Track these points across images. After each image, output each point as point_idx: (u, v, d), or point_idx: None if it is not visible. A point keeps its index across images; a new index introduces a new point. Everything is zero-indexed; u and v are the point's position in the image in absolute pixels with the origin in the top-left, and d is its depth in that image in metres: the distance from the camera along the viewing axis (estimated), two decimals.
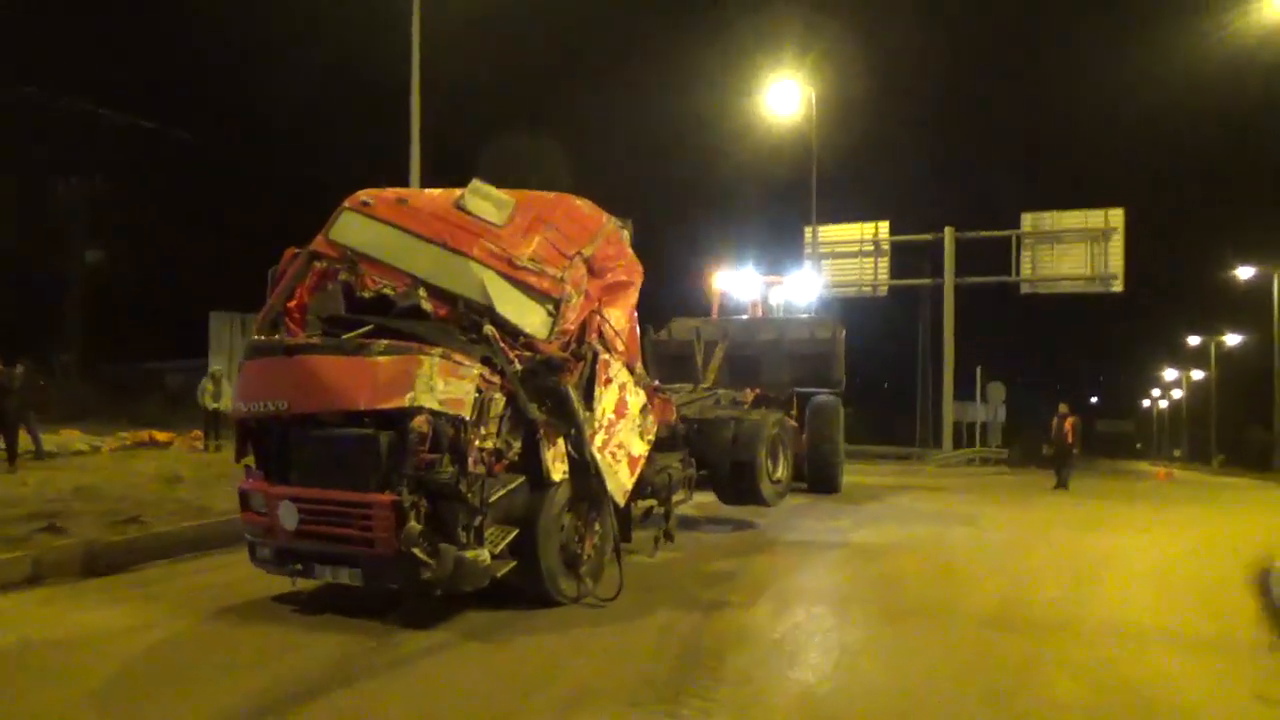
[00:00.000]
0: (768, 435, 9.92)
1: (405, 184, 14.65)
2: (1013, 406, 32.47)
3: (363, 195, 6.52)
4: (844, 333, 12.90)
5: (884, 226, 30.76)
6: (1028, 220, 28.74)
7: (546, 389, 6.00)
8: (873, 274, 30.87)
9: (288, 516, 5.65)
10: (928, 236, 30.29)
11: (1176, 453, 67.46)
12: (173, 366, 43.82)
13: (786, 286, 18.18)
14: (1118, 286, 27.91)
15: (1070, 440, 17.37)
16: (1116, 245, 27.66)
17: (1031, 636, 5.71)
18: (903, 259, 31.83)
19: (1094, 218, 28.03)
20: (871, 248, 30.80)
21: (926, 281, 31.69)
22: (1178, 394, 69.96)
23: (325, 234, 6.40)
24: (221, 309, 41.86)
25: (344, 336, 5.86)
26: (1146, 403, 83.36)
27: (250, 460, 6.12)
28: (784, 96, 27.30)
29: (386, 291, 6.08)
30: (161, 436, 17.50)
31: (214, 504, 9.16)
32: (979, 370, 30.56)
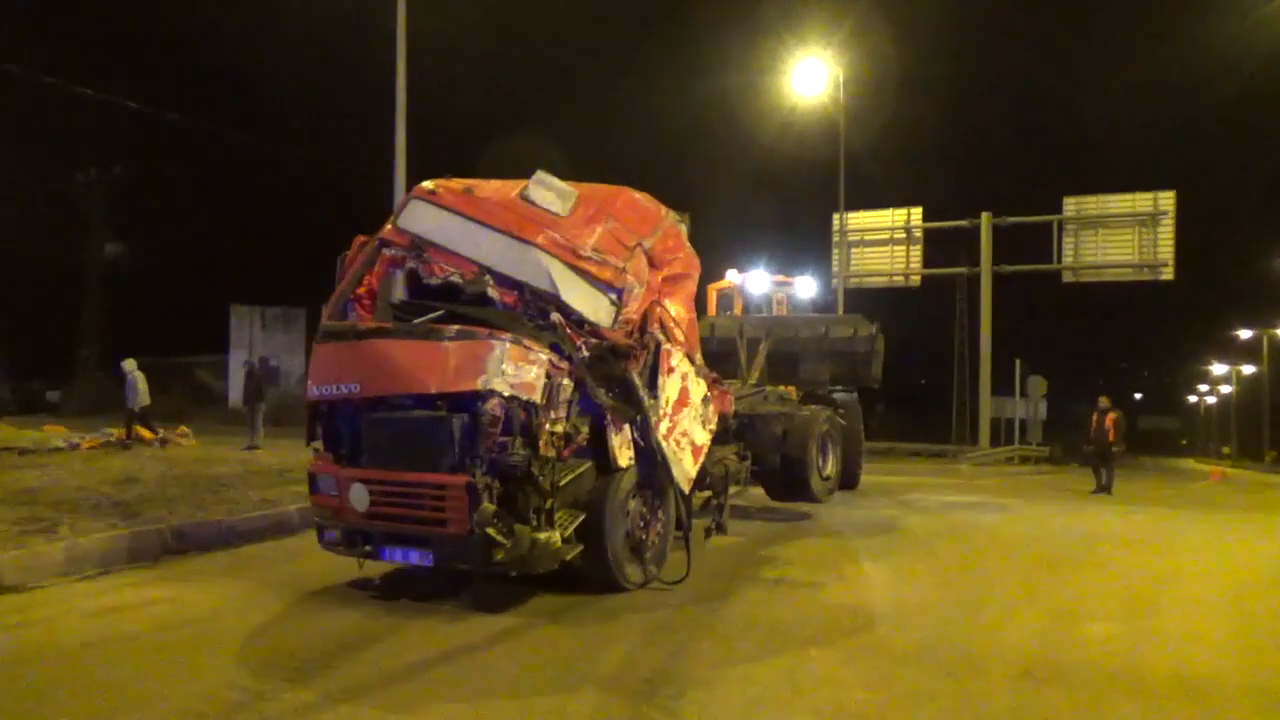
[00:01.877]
0: (819, 431, 10.06)
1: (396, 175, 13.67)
2: (1054, 402, 30.82)
3: (429, 184, 6.63)
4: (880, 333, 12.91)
5: (916, 213, 29.20)
6: (1070, 204, 27.06)
7: (613, 376, 6.15)
8: (904, 263, 29.34)
9: (358, 498, 5.79)
10: (963, 223, 28.69)
11: (1226, 450, 66.06)
12: (199, 361, 43.68)
13: (795, 286, 18.92)
14: (1168, 274, 26.18)
15: (1112, 438, 15.70)
16: (1166, 230, 25.92)
17: (1077, 691, 4.48)
18: (935, 247, 30.32)
19: (1142, 201, 26.30)
20: (903, 235, 29.26)
21: (962, 270, 30.14)
22: (1226, 389, 67.68)
23: (393, 222, 6.54)
24: (241, 302, 41.72)
25: (415, 321, 6.01)
26: (1193, 398, 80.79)
27: (319, 444, 6.25)
28: (810, 76, 26.03)
29: (454, 279, 6.15)
30: (146, 434, 16.65)
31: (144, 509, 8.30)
32: (1018, 364, 28.89)
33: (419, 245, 6.32)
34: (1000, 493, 15.62)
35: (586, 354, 5.98)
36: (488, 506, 5.35)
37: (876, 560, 8.06)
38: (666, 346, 6.57)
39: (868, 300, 29.39)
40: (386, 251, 6.47)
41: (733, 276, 18.22)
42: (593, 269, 6.18)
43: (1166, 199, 26.04)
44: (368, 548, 5.94)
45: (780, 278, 18.76)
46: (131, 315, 41.79)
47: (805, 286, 19.48)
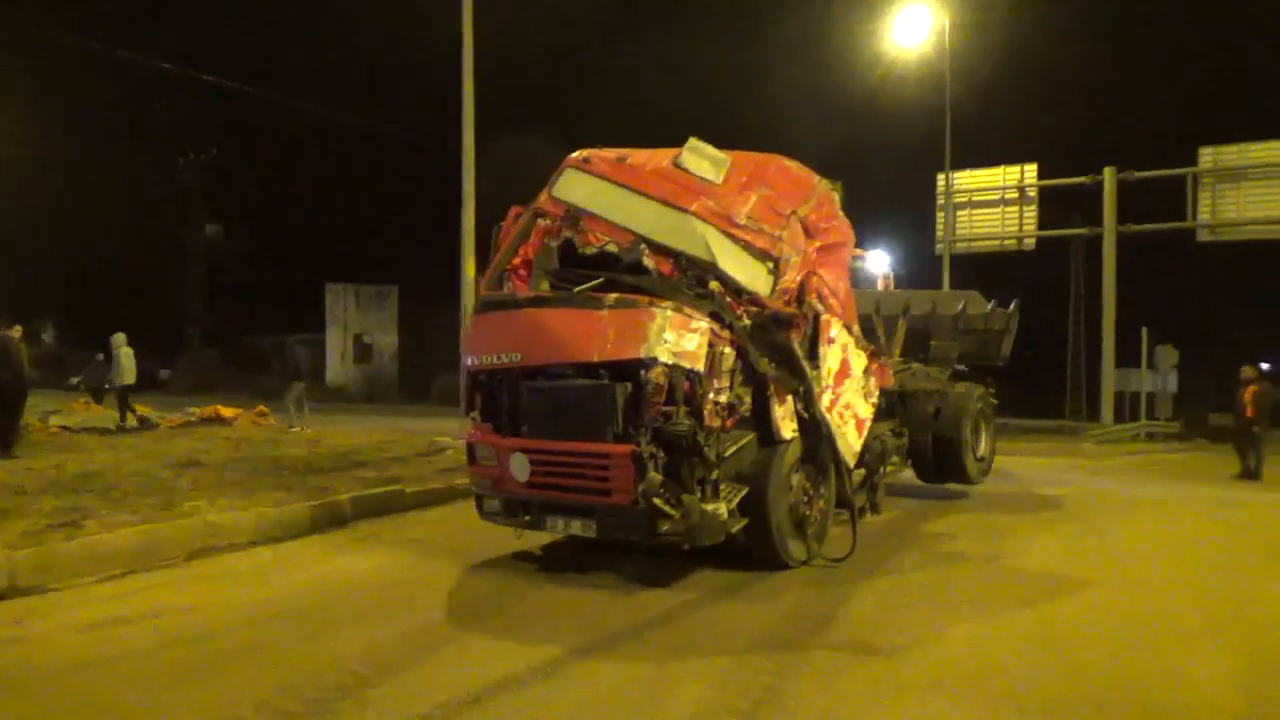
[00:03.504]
0: (973, 410, 9.78)
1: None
2: (1184, 373, 28.19)
3: (583, 153, 6.60)
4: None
5: (1031, 169, 26.93)
6: (1207, 155, 24.38)
7: (775, 345, 6.05)
8: (1017, 224, 27.11)
9: (519, 468, 5.80)
10: (1084, 179, 26.26)
11: None
12: (299, 340, 44.57)
13: (866, 260, 17.96)
14: None
15: (1250, 413, 13.55)
16: None
17: None
18: (1048, 209, 27.91)
19: None
20: (1016, 194, 27.03)
21: (1083, 231, 27.59)
22: None
23: (548, 191, 6.51)
24: (336, 281, 42.17)
25: (575, 290, 5.93)
26: None
27: (476, 414, 6.22)
28: (913, 24, 24.15)
29: (610, 248, 6.08)
30: (227, 412, 16.44)
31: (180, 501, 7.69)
32: (1144, 333, 26.47)
33: (574, 214, 6.24)
34: (1133, 474, 13.96)
35: (748, 323, 5.90)
36: (654, 476, 5.27)
37: (1044, 534, 8.03)
38: (826, 317, 6.42)
39: (969, 267, 27.38)
40: (541, 222, 6.40)
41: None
42: (749, 237, 6.03)
43: None
44: (527, 518, 5.95)
45: (855, 251, 18.20)
46: (233, 295, 42.78)
47: (877, 261, 18.61)
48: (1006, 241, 27.60)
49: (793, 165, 6.74)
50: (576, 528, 5.73)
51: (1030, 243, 27.68)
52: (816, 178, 6.80)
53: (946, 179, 26.54)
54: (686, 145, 6.37)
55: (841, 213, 7.06)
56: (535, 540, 6.86)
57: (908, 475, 9.91)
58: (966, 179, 27.52)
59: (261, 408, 16.42)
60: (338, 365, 40.52)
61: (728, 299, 5.84)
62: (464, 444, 6.35)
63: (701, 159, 6.30)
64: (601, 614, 5.26)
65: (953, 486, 10.14)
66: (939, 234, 27.24)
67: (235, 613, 5.29)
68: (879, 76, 26.28)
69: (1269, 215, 24.07)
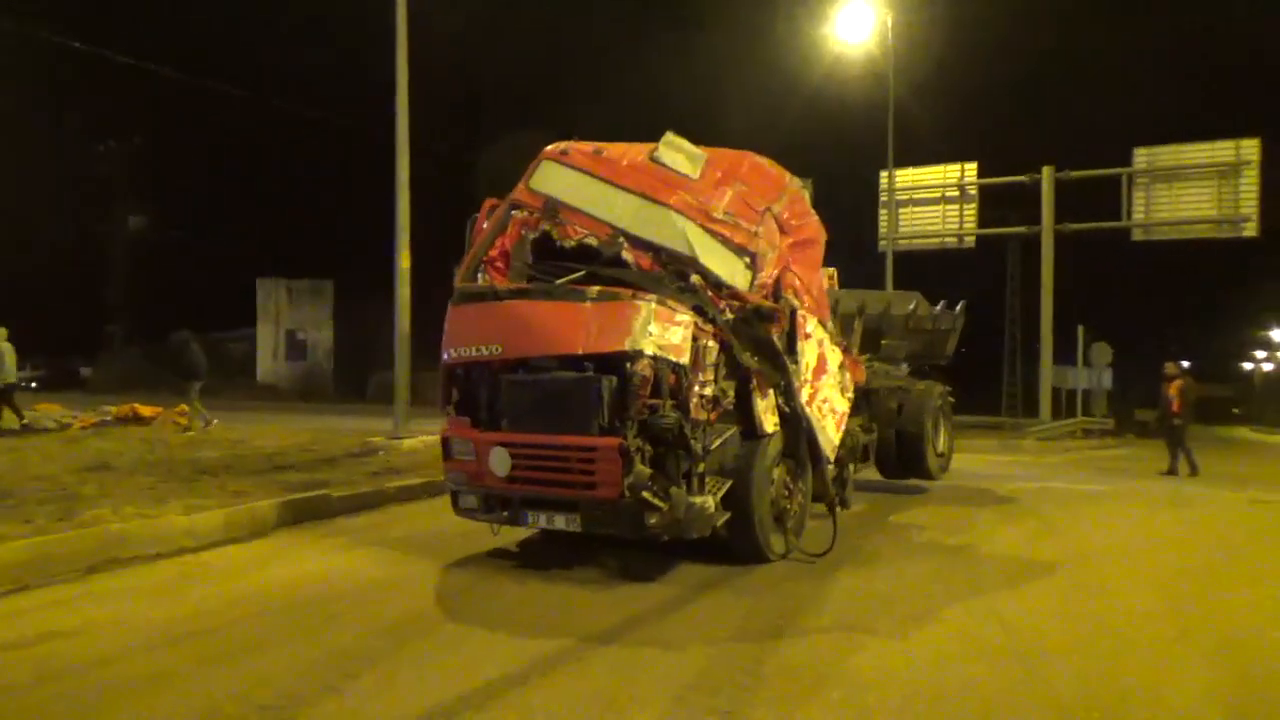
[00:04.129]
0: (933, 406, 9.99)
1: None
2: (1121, 371, 28.77)
3: (560, 145, 6.52)
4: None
5: (971, 168, 27.17)
6: (1142, 155, 24.83)
7: (757, 339, 6.08)
8: (957, 223, 27.36)
9: (499, 462, 5.71)
10: (1023, 178, 26.56)
11: None
12: (229, 336, 43.01)
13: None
14: (1251, 230, 23.89)
15: (1176, 408, 13.66)
16: (1250, 182, 23.62)
17: None
18: (988, 208, 28.17)
19: (1222, 150, 24.01)
20: (956, 193, 27.27)
21: (1021, 230, 27.97)
22: None
23: (525, 183, 6.42)
24: (266, 275, 40.80)
25: (557, 282, 5.85)
26: (1247, 365, 77.55)
27: (451, 408, 6.11)
28: (856, 21, 24.06)
29: (589, 241, 6.04)
30: (145, 411, 15.56)
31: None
32: (1080, 330, 26.90)
33: (553, 207, 6.18)
34: (1078, 470, 14.03)
35: (730, 317, 5.92)
36: (642, 469, 5.25)
37: (1009, 524, 8.35)
38: (802, 312, 6.46)
39: (909, 264, 27.52)
40: (518, 213, 6.35)
41: None
42: (727, 232, 6.02)
43: (1250, 147, 23.73)
44: (505, 514, 5.88)
45: None
46: (160, 290, 41.16)
47: None
48: (947, 239, 27.83)
49: (765, 162, 6.73)
50: (559, 522, 5.66)
51: (970, 241, 27.96)
52: (788, 175, 6.80)
53: (889, 176, 26.61)
54: (663, 140, 6.31)
55: (813, 210, 7.08)
56: (510, 537, 6.78)
57: (865, 471, 9.77)
58: (908, 177, 27.67)
59: (183, 406, 15.56)
60: (269, 363, 39.24)
61: (709, 293, 5.83)
62: (439, 439, 6.23)
63: (677, 153, 6.26)
64: (593, 607, 5.23)
65: (912, 482, 10.28)
66: (881, 231, 27.30)
67: (136, 634, 4.73)
68: (822, 74, 26.16)
69: (1200, 215, 24.62)
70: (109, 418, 15.51)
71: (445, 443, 6.07)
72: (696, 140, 6.55)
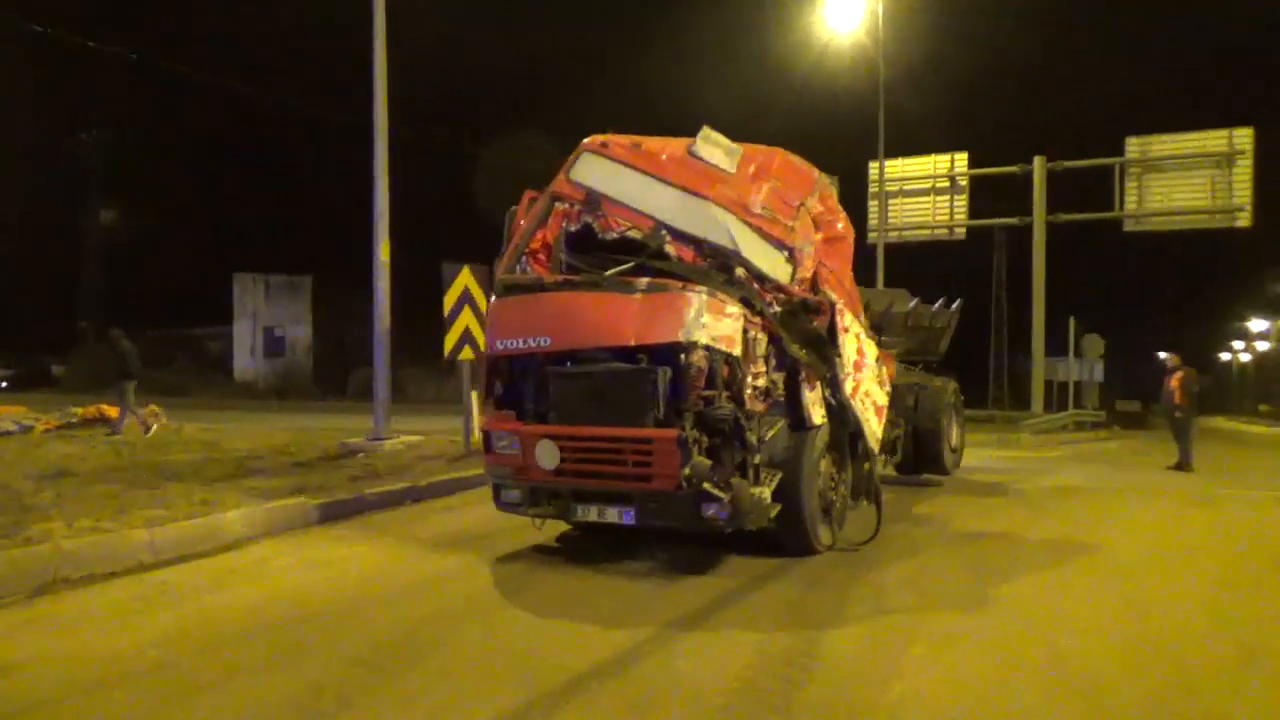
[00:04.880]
0: (948, 402, 10.10)
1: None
2: (1113, 363, 28.52)
3: (600, 137, 6.50)
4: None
5: (961, 159, 26.87)
6: (1134, 145, 24.61)
7: (805, 331, 6.11)
8: (948, 213, 27.04)
9: (546, 456, 5.66)
10: (1013, 168, 26.29)
11: (1263, 408, 65.02)
12: (210, 333, 42.16)
13: None
14: (1244, 220, 23.74)
15: (1177, 400, 13.35)
16: (1243, 171, 23.47)
17: None
18: (978, 199, 27.88)
19: (1215, 140, 23.84)
20: (947, 183, 26.95)
21: (1013, 220, 27.69)
22: (1263, 346, 66.01)
23: (565, 175, 6.39)
24: (245, 270, 39.97)
25: (607, 274, 5.83)
26: (1225, 356, 78.28)
27: (492, 401, 6.13)
28: (845, 10, 23.60)
29: (632, 233, 6.02)
30: (113, 412, 14.89)
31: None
32: (1071, 322, 26.64)
33: (595, 199, 6.15)
34: (1083, 464, 13.69)
35: (778, 309, 5.96)
36: (701, 460, 5.25)
37: (1034, 518, 8.38)
38: (840, 306, 6.46)
39: (898, 256, 27.17)
40: (559, 205, 6.33)
41: None
42: (765, 226, 6.02)
43: (1243, 136, 23.57)
44: (550, 508, 5.87)
45: None
46: (133, 285, 40.26)
47: None
48: (937, 231, 27.54)
49: (795, 158, 6.74)
50: (612, 515, 5.63)
51: (961, 232, 27.72)
52: (816, 171, 6.82)
53: (880, 167, 26.22)
54: (700, 134, 6.31)
55: (840, 207, 7.07)
56: (521, 539, 6.74)
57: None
58: (898, 168, 27.36)
59: (154, 407, 14.92)
60: (247, 360, 38.47)
61: (755, 286, 5.85)
62: (480, 432, 6.18)
63: (715, 148, 6.27)
64: (664, 598, 5.29)
65: (924, 476, 10.31)
66: (871, 223, 26.92)
67: (86, 669, 4.18)
68: (811, 63, 25.71)
69: (1193, 205, 24.38)
70: (74, 419, 14.83)
71: (486, 436, 6.04)
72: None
